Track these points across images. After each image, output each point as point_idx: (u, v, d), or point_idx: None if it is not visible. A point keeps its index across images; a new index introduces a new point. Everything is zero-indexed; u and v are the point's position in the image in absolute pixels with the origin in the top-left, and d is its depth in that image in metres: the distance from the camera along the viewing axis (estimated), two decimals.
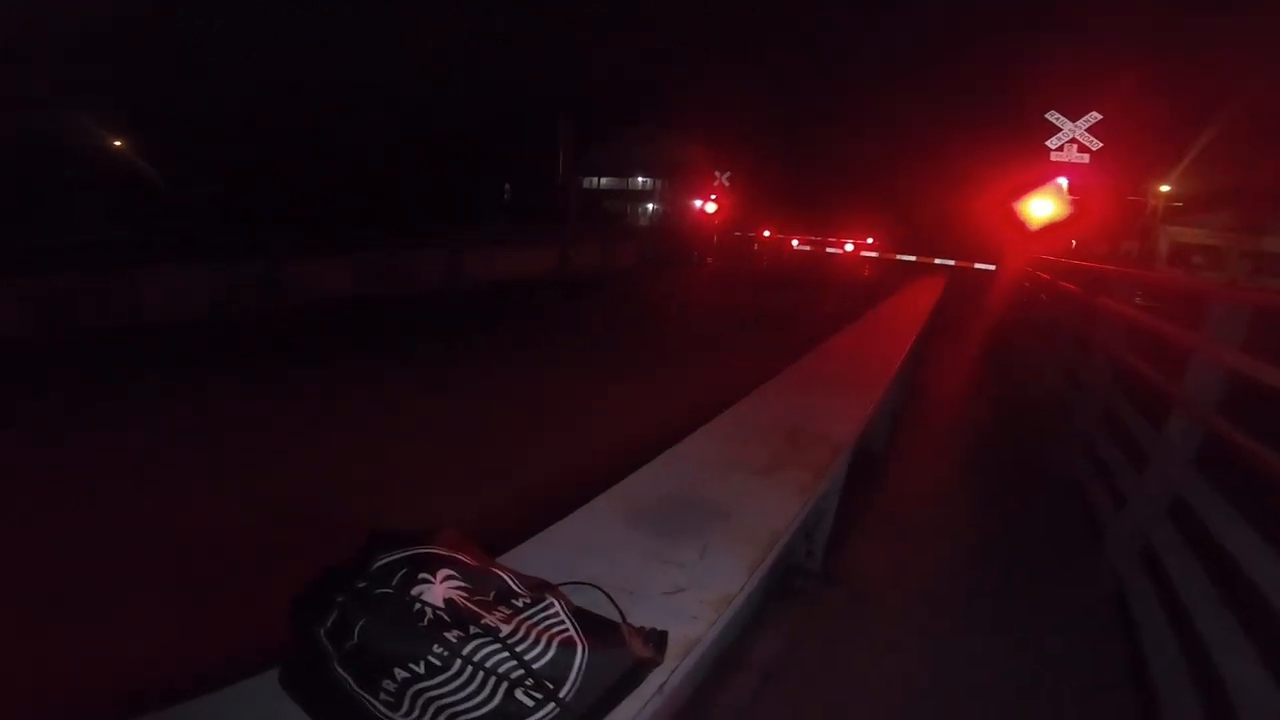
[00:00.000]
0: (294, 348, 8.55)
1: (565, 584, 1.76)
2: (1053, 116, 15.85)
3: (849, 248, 32.71)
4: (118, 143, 20.08)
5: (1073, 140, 15.70)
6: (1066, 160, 15.81)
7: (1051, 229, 15.57)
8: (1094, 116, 15.62)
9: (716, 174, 29.93)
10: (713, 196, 29.84)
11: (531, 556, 1.91)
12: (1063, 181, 15.58)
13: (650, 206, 42.24)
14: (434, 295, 13.43)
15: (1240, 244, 29.85)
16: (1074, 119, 15.69)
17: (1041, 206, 15.66)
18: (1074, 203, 15.65)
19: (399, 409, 5.89)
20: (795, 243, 33.99)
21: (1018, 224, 15.93)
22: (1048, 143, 15.89)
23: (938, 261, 27.87)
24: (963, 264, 26.83)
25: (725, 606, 1.80)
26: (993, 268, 25.81)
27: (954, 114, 32.47)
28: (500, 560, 1.90)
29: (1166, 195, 31.17)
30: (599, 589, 1.75)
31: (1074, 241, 17.39)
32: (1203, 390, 2.73)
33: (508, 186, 30.64)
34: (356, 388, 6.48)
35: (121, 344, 8.56)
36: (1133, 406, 3.71)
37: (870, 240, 33.22)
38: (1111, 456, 3.69)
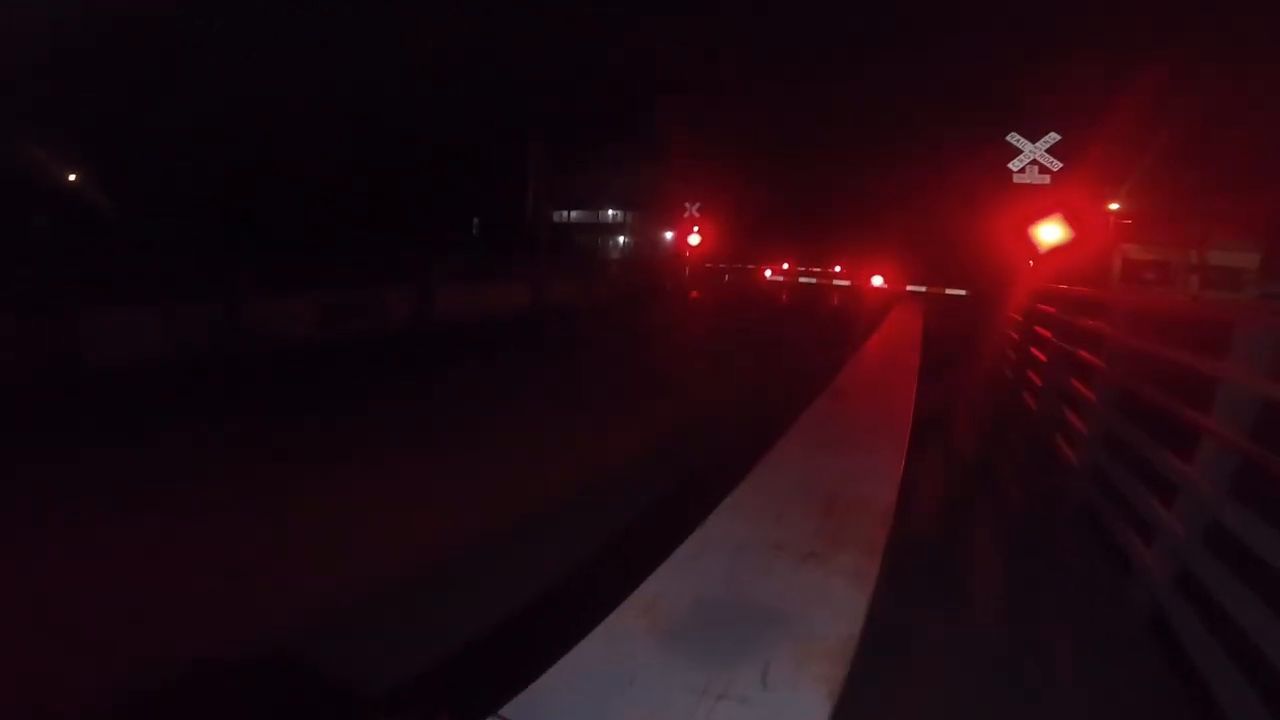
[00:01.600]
0: (233, 404, 7.73)
1: None
2: (1013, 139, 15.78)
3: (878, 281, 30.73)
4: (71, 176, 19.27)
5: (1034, 162, 15.65)
6: (1029, 182, 15.75)
7: (1051, 254, 15.39)
8: (1053, 137, 15.59)
9: (686, 205, 29.86)
10: (692, 228, 29.70)
11: (547, 706, 1.47)
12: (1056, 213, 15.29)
13: (622, 239, 42.11)
14: (402, 336, 12.85)
15: (1188, 258, 30.60)
16: (1034, 140, 15.63)
17: (1050, 232, 15.41)
18: (1072, 223, 15.33)
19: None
20: (768, 273, 34.04)
21: (1027, 248, 15.64)
22: (1010, 164, 15.83)
23: (948, 291, 27.42)
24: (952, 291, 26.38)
25: None
26: (963, 292, 25.93)
27: (935, 133, 32.75)
28: (508, 712, 1.46)
29: (1117, 213, 31.95)
30: None
31: (1031, 261, 17.24)
32: (1235, 418, 2.65)
33: (476, 220, 30.16)
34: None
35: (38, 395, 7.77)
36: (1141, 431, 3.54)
37: (839, 268, 33.29)
38: (1127, 483, 3.50)
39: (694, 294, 26.60)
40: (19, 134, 16.36)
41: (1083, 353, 5.14)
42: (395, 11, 21.34)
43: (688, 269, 29.96)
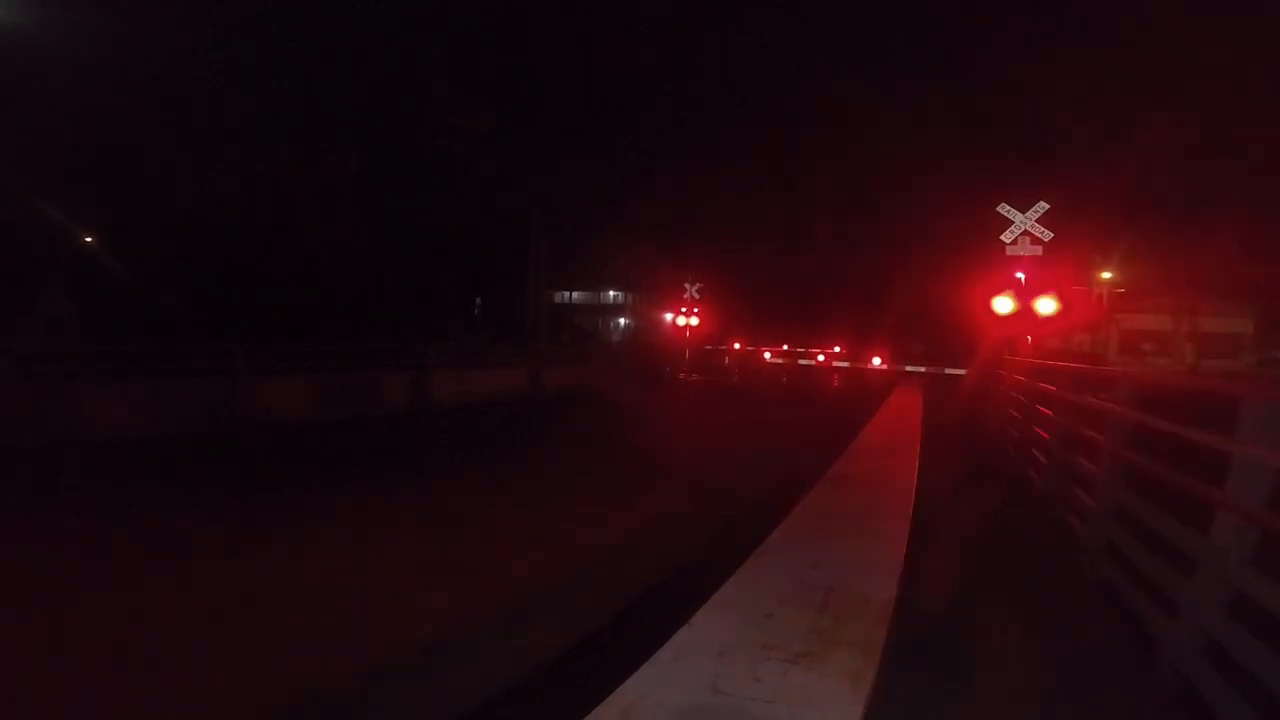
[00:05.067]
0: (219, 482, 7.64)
1: None
2: (1004, 209, 15.57)
3: (876, 362, 31.55)
4: (87, 238, 19.64)
5: (1025, 233, 15.53)
6: (1022, 254, 15.58)
7: (1011, 325, 15.40)
8: (1042, 206, 15.30)
9: (686, 285, 30.13)
10: (692, 309, 29.88)
11: None
12: (1020, 276, 15.33)
13: (622, 321, 42.47)
14: (397, 419, 12.71)
15: (1183, 327, 30.38)
16: (1023, 210, 15.53)
17: (1003, 304, 15.38)
18: (1026, 295, 15.34)
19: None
20: (768, 355, 34.08)
21: (990, 322, 15.64)
22: (1001, 237, 15.70)
23: (908, 369, 27.92)
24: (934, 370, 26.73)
25: None
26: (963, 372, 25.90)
27: (923, 212, 33.53)
28: None
29: (1110, 282, 31.71)
30: None
31: (1029, 337, 17.04)
32: (1251, 490, 2.71)
33: (478, 300, 30.50)
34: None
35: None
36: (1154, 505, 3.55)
37: (838, 349, 33.49)
38: (1143, 557, 3.48)
39: (695, 377, 26.56)
40: (39, 200, 16.80)
41: (1087, 429, 5.08)
42: (400, 98, 22.27)
43: (687, 351, 30.02)
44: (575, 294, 41.90)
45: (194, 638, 3.61)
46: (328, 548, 5.08)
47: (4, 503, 5.93)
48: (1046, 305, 14.34)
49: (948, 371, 25.69)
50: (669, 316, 34.83)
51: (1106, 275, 31.51)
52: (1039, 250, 15.38)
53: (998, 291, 15.37)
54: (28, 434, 8.67)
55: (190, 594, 4.15)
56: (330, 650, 3.48)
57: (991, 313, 15.74)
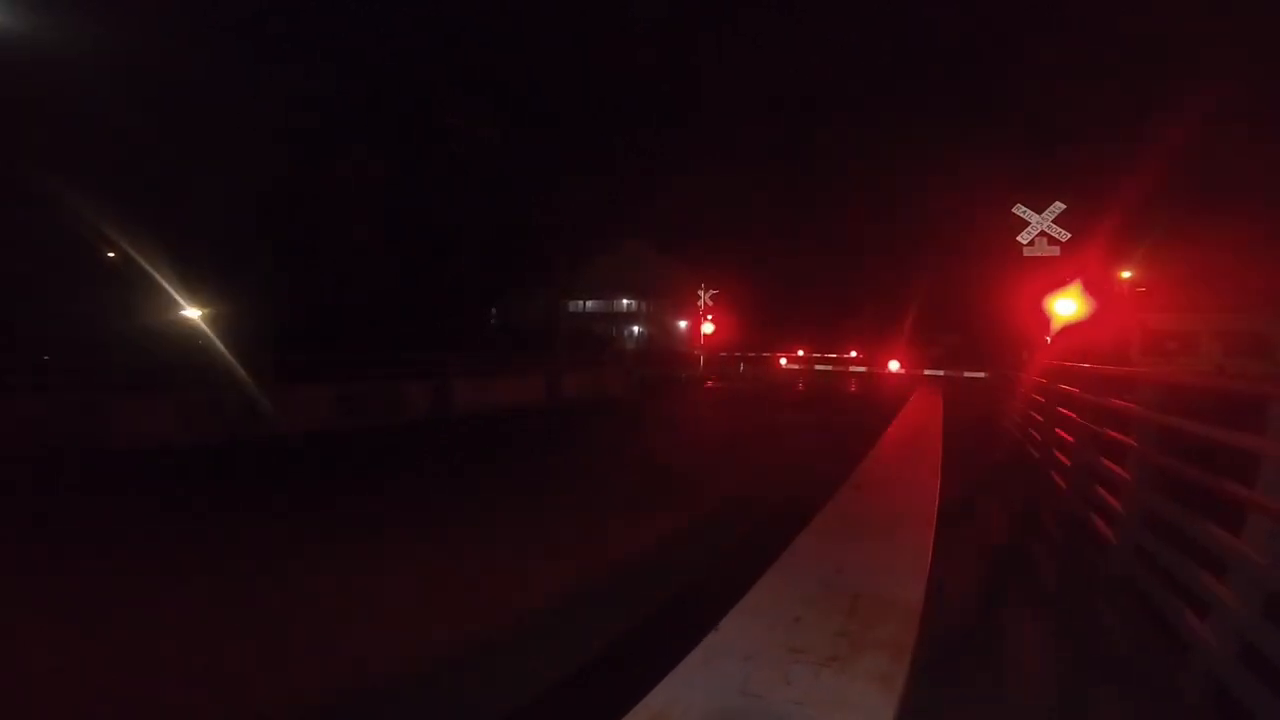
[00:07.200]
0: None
1: None
2: (1020, 210, 15.34)
3: (894, 366, 30.88)
4: (110, 254, 19.91)
5: (1041, 233, 15.31)
6: (1038, 254, 15.36)
7: (1067, 329, 15.11)
8: (1059, 206, 15.07)
9: (700, 292, 30.14)
10: (706, 315, 29.89)
11: None
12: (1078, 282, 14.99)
13: (636, 329, 42.56)
14: (418, 428, 12.81)
15: (1210, 325, 29.82)
16: (1040, 210, 15.31)
17: (1065, 305, 15.03)
18: (1089, 294, 15.00)
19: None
20: (783, 361, 33.96)
21: (1044, 325, 15.26)
22: (1018, 238, 15.48)
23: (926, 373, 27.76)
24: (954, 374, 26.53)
25: None
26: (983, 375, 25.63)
27: (940, 213, 33.21)
28: None
29: (1131, 280, 31.38)
30: None
31: (1049, 338, 16.76)
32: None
33: (494, 310, 30.66)
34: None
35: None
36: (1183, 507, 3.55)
37: (854, 354, 33.26)
38: (1174, 560, 3.46)
39: (710, 383, 26.53)
40: (68, 216, 17.05)
41: (1112, 432, 5.04)
42: (419, 111, 22.50)
43: (702, 358, 30.02)
44: (590, 303, 42.03)
45: None
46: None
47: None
48: (1066, 306, 14.08)
49: (966, 375, 25.54)
50: (682, 323, 34.90)
51: (1126, 274, 31.17)
52: (1056, 251, 15.19)
53: (1026, 294, 15.13)
54: (65, 442, 8.89)
55: None
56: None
57: (1015, 314, 15.57)
